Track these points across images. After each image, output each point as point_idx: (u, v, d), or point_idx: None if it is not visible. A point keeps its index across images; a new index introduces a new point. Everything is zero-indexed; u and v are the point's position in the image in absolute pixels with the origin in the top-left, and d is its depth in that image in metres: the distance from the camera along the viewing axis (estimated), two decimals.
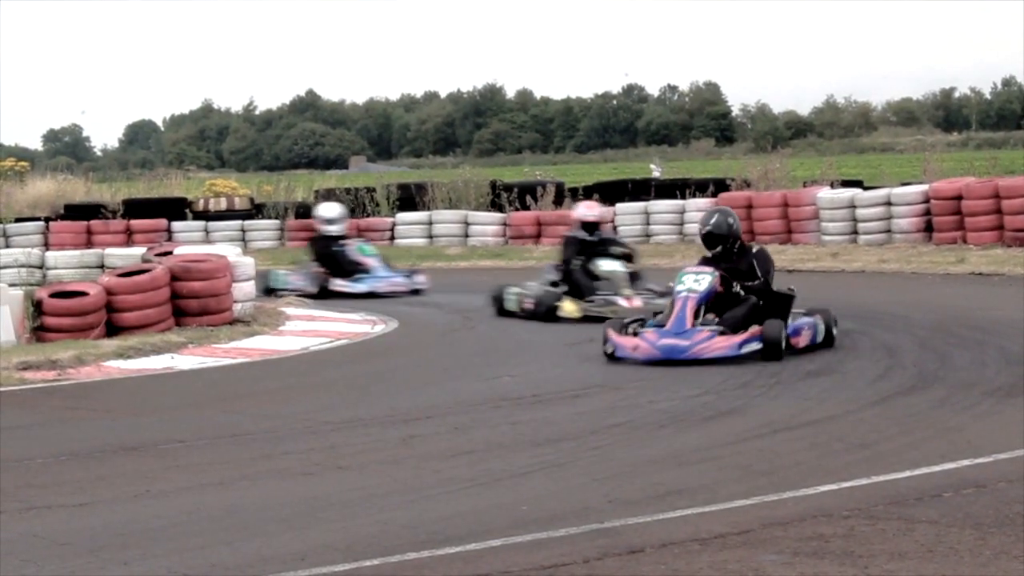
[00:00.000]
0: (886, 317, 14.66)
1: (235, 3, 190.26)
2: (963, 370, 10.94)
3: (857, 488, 7.11)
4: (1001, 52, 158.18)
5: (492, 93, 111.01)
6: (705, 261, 12.60)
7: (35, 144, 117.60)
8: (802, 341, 12.13)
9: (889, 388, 10.26)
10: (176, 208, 31.14)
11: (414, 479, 7.65)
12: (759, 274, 12.37)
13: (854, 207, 24.05)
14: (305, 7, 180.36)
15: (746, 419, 9.29)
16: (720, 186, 27.16)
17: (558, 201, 28.72)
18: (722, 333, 11.88)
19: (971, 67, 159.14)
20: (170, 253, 16.38)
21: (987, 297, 17.00)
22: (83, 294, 14.50)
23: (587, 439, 8.68)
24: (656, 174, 32.62)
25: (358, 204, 29.64)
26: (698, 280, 12.23)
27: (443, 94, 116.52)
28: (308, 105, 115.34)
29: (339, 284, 19.86)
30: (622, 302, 15.53)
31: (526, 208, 28.60)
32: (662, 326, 12.12)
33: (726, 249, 12.52)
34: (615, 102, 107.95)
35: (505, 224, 28.67)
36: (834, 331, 12.54)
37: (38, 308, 14.34)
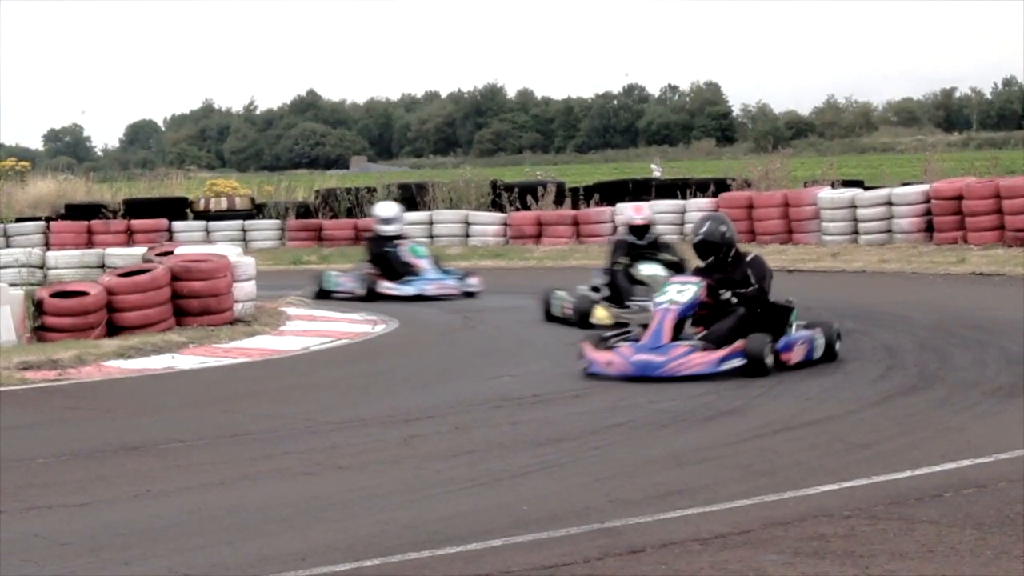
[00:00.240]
0: (887, 317, 14.66)
1: (235, 3, 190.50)
2: (964, 370, 10.94)
3: (858, 488, 7.11)
4: (1001, 52, 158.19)
5: (493, 93, 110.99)
6: (698, 271, 11.89)
7: (36, 144, 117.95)
8: (794, 357, 11.28)
9: (889, 388, 10.25)
10: (177, 208, 31.19)
11: (415, 479, 7.65)
12: (753, 282, 11.58)
13: (855, 207, 24.07)
14: (305, 7, 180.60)
15: (746, 419, 9.29)
16: (721, 186, 27.18)
17: (559, 201, 28.77)
18: (705, 348, 11.12)
19: (972, 67, 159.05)
20: (171, 253, 16.37)
21: (988, 297, 17.00)
22: (84, 294, 14.51)
23: (587, 439, 8.69)
24: (657, 174, 32.58)
25: (358, 204, 29.72)
26: (682, 291, 11.48)
27: (444, 94, 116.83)
28: (309, 105, 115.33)
29: (387, 287, 19.09)
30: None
31: (527, 208, 28.65)
32: (638, 340, 11.40)
33: (719, 259, 11.70)
34: (616, 102, 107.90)
35: (506, 224, 28.71)
36: (836, 346, 11.72)
37: (39, 308, 14.34)
